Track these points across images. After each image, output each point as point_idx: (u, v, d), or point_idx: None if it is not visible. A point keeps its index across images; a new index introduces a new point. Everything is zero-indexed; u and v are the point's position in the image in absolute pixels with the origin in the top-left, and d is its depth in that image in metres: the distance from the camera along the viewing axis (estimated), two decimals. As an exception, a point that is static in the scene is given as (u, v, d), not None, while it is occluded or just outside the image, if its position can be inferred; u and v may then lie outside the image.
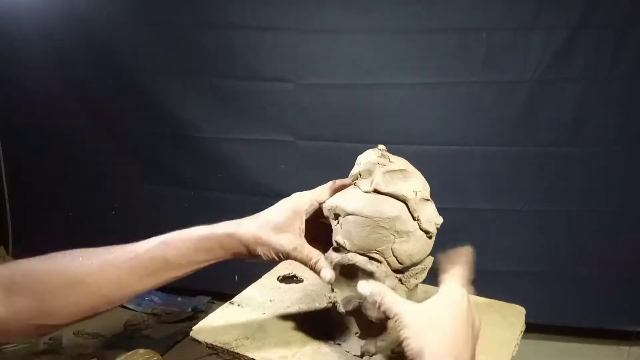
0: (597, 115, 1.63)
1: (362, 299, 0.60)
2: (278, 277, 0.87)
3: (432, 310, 0.53)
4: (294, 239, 0.62)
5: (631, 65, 1.57)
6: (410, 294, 0.63)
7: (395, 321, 0.53)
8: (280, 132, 1.85)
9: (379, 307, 0.55)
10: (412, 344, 0.51)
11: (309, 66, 1.77)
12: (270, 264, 0.64)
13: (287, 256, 0.62)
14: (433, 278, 0.75)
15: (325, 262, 0.63)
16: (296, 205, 0.64)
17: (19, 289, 0.54)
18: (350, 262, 0.61)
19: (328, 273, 0.62)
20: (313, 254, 0.62)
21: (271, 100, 1.82)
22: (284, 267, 0.91)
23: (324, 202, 0.65)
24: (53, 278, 0.55)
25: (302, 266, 0.91)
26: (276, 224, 0.62)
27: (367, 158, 0.64)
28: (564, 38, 1.58)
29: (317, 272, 0.63)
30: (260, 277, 0.88)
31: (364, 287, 0.57)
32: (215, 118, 1.88)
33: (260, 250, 0.61)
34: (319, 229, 0.65)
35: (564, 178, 1.69)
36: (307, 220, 0.64)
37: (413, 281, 0.63)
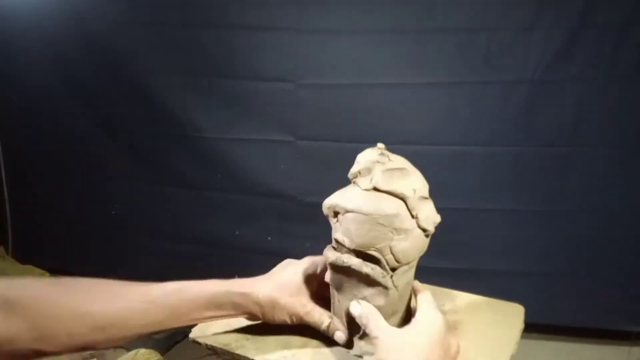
0: (596, 116, 1.63)
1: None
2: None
3: (408, 334, 0.55)
4: (306, 303, 0.63)
5: (631, 66, 1.57)
6: (402, 294, 0.63)
7: (373, 344, 0.56)
8: (281, 132, 1.85)
9: (364, 328, 0.58)
10: None
11: (309, 66, 1.77)
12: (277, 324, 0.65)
13: (299, 320, 0.63)
14: (431, 277, 0.76)
15: (338, 324, 0.64)
16: (310, 269, 0.66)
17: (20, 310, 0.51)
18: (345, 265, 0.61)
19: (342, 336, 0.63)
20: (324, 317, 0.64)
21: (271, 100, 1.82)
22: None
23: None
24: (59, 306, 0.53)
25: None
26: (291, 287, 0.63)
27: (367, 156, 0.64)
28: (564, 38, 1.58)
29: (330, 335, 0.64)
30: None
31: (355, 308, 0.60)
32: (216, 118, 1.88)
33: (274, 314, 0.62)
34: (325, 288, 0.67)
35: (564, 178, 1.69)
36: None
37: (403, 280, 0.63)
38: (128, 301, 0.56)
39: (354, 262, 0.60)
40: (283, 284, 0.63)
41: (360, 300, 0.60)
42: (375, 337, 0.56)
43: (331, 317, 0.64)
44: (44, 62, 1.95)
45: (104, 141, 2.00)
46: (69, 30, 1.89)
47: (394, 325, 0.60)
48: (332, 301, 0.67)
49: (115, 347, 0.55)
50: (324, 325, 0.63)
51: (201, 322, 0.61)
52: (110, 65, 1.90)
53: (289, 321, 0.63)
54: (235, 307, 0.61)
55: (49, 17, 1.90)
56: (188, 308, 0.59)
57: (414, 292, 0.64)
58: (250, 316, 0.63)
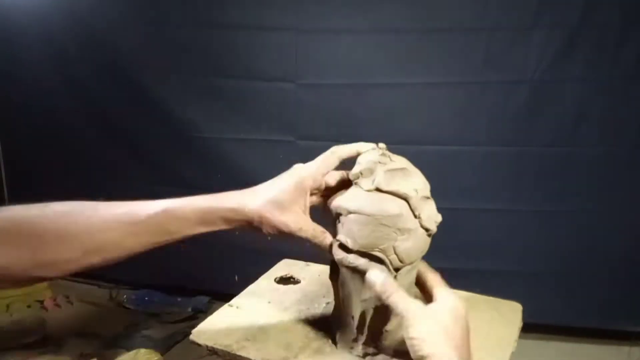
0: (597, 116, 1.63)
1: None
2: (275, 279, 0.87)
3: (437, 314, 0.55)
4: (298, 219, 0.61)
5: (631, 65, 1.57)
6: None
7: (402, 317, 0.54)
8: (281, 132, 1.85)
9: (385, 298, 0.56)
10: (419, 345, 0.52)
11: (309, 66, 1.77)
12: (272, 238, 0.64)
13: (291, 236, 0.61)
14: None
15: (330, 238, 0.63)
16: (301, 182, 0.63)
17: (12, 239, 0.52)
18: (352, 265, 0.61)
19: (337, 253, 0.62)
20: (317, 231, 0.62)
21: (272, 100, 1.82)
22: (282, 269, 0.91)
23: (326, 175, 0.65)
24: (49, 231, 0.54)
25: (300, 267, 0.92)
26: (281, 202, 0.61)
27: (368, 157, 0.64)
28: (564, 38, 1.58)
29: (325, 249, 0.63)
30: (258, 278, 0.88)
31: (376, 276, 0.57)
32: (216, 118, 1.88)
33: (264, 229, 0.61)
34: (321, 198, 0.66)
35: (564, 178, 1.69)
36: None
37: (406, 280, 0.63)
38: (117, 225, 0.57)
39: (361, 262, 0.60)
40: (272, 199, 0.61)
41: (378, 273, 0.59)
42: (403, 311, 0.54)
43: (323, 232, 0.63)
44: (44, 62, 1.95)
45: (103, 141, 2.00)
46: (69, 30, 1.89)
47: None
48: (336, 296, 0.67)
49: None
50: (317, 240, 0.62)
51: (195, 236, 0.61)
52: (110, 64, 1.90)
53: (280, 236, 0.62)
54: (226, 221, 0.61)
55: (49, 16, 1.90)
56: (178, 226, 0.59)
57: (423, 276, 0.63)
58: (241, 229, 0.62)
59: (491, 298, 0.82)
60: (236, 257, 1.96)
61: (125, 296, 2.09)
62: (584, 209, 1.70)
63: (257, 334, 0.70)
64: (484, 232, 1.76)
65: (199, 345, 0.67)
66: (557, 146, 1.68)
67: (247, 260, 1.87)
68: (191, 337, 0.68)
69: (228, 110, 1.86)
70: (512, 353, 0.69)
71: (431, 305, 0.56)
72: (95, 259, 0.56)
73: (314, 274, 0.89)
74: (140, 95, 1.90)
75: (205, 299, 2.04)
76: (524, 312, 0.79)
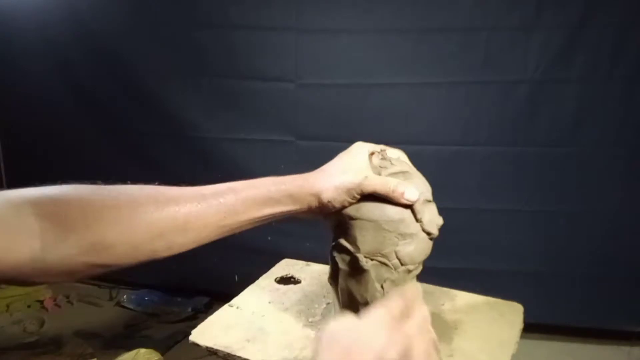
0: (596, 116, 1.63)
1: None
2: (276, 279, 0.87)
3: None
4: (361, 171, 0.60)
5: (631, 66, 1.57)
6: None
7: None
8: (281, 132, 1.84)
9: None
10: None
11: (309, 66, 1.77)
12: (334, 218, 0.61)
13: (360, 190, 0.59)
14: (430, 277, 0.76)
15: (404, 183, 0.60)
16: (357, 148, 0.64)
17: (67, 220, 0.46)
18: (362, 267, 0.61)
19: (414, 191, 0.60)
20: (388, 181, 0.59)
21: (271, 100, 1.82)
22: (282, 269, 0.91)
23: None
24: (109, 212, 0.48)
25: (300, 267, 0.92)
26: (341, 166, 0.61)
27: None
28: (564, 38, 1.58)
29: (398, 197, 0.59)
30: (258, 278, 0.88)
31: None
32: (215, 118, 1.88)
33: (331, 196, 0.59)
34: None
35: (564, 178, 1.69)
36: None
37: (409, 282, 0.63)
38: (182, 204, 0.52)
39: (369, 265, 0.61)
40: (332, 168, 0.61)
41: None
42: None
43: (394, 180, 0.60)
44: (43, 62, 1.95)
45: (103, 141, 2.00)
46: (69, 30, 1.89)
47: None
48: (336, 299, 0.67)
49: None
50: (389, 186, 0.59)
51: (257, 224, 0.59)
52: (109, 65, 1.90)
53: (349, 198, 0.59)
54: (293, 200, 0.59)
55: (48, 17, 1.90)
56: (245, 207, 0.56)
57: None
58: (309, 211, 0.60)
59: (492, 299, 0.82)
60: (236, 257, 1.95)
61: (125, 296, 2.09)
62: (584, 209, 1.70)
63: (257, 334, 0.70)
64: (484, 233, 1.76)
65: (198, 345, 0.67)
66: (557, 146, 1.67)
67: (247, 260, 1.87)
68: (191, 337, 0.68)
69: (227, 110, 1.86)
70: (513, 355, 0.69)
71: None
72: (158, 244, 0.51)
73: (314, 274, 0.89)
74: (139, 95, 1.90)
75: (205, 299, 2.04)
76: (524, 312, 0.79)
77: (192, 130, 1.89)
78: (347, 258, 0.63)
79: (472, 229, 1.74)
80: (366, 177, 0.59)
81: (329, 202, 0.59)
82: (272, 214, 0.59)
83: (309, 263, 0.93)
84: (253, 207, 0.57)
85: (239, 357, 0.65)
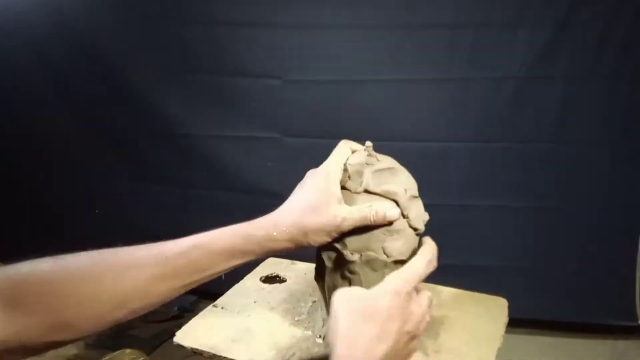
0: (582, 112, 1.64)
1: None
2: (261, 278, 0.86)
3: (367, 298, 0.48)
4: (338, 212, 0.56)
5: (616, 62, 1.58)
6: None
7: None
8: (267, 128, 1.83)
9: None
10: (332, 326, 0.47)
11: (295, 62, 1.76)
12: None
13: (340, 231, 0.57)
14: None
15: (381, 205, 0.58)
16: (326, 176, 0.60)
17: (26, 303, 0.46)
18: (350, 260, 0.60)
19: (394, 211, 0.58)
20: (364, 211, 0.57)
21: (257, 97, 1.81)
22: (267, 268, 0.90)
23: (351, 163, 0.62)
24: (70, 289, 0.47)
25: (285, 266, 0.91)
26: (314, 205, 0.57)
27: (355, 160, 0.64)
28: (549, 35, 1.59)
29: (380, 221, 0.57)
30: (243, 277, 0.87)
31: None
32: (201, 115, 1.86)
33: (309, 239, 0.57)
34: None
35: (550, 174, 1.70)
36: None
37: None
38: (142, 269, 0.50)
39: (356, 262, 0.60)
40: (305, 207, 0.57)
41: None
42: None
43: (369, 206, 0.58)
44: (24, 59, 1.91)
45: (86, 139, 1.97)
46: (51, 26, 1.85)
47: None
48: (322, 297, 0.67)
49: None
50: (369, 216, 0.57)
51: (228, 271, 0.57)
52: (92, 61, 1.87)
53: (328, 239, 0.58)
54: (262, 249, 0.56)
55: (30, 13, 1.86)
56: (209, 261, 0.54)
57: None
58: (282, 251, 0.59)
59: (477, 294, 0.82)
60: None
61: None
62: (569, 205, 1.72)
63: (243, 334, 0.69)
64: (470, 228, 1.77)
65: (183, 347, 0.66)
66: (542, 142, 1.69)
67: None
68: (175, 339, 0.67)
69: (213, 107, 1.84)
70: (499, 348, 0.69)
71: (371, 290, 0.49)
72: (120, 313, 0.50)
73: (299, 273, 0.89)
74: (123, 92, 1.87)
75: (192, 297, 2.02)
76: (509, 307, 0.79)
77: (177, 128, 1.87)
78: (334, 255, 0.63)
79: (457, 224, 1.74)
80: (344, 218, 0.56)
81: (306, 243, 0.58)
82: (241, 262, 0.57)
83: (294, 261, 0.93)
84: (220, 261, 0.55)
85: (225, 357, 0.64)
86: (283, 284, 0.85)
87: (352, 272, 0.61)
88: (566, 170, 1.69)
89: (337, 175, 0.60)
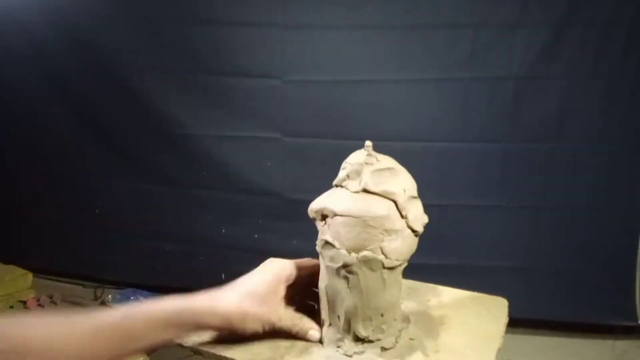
0: (581, 112, 1.65)
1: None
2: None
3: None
4: (278, 309, 0.60)
5: (615, 62, 1.58)
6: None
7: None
8: (267, 128, 1.84)
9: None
10: None
11: (295, 62, 1.76)
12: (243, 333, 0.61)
13: (272, 327, 0.60)
14: (417, 273, 0.75)
15: (309, 322, 0.63)
16: (277, 272, 0.63)
17: None
18: (346, 263, 0.60)
19: (316, 334, 0.62)
20: (296, 319, 0.62)
21: (257, 97, 1.81)
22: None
23: (302, 273, 0.65)
24: (2, 354, 0.48)
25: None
26: (260, 295, 0.59)
27: (355, 159, 0.64)
28: (549, 35, 1.60)
29: (303, 336, 0.62)
30: (244, 276, 0.87)
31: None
32: (201, 115, 1.86)
33: (245, 325, 0.58)
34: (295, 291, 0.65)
35: (549, 174, 1.71)
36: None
37: (396, 283, 0.63)
38: (72, 330, 0.51)
39: (355, 261, 0.60)
40: (251, 293, 0.59)
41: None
42: None
43: (301, 319, 0.62)
44: (25, 58, 1.91)
45: (87, 139, 1.97)
46: (51, 26, 1.86)
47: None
48: (321, 297, 0.66)
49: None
50: (296, 328, 0.62)
51: (161, 345, 0.56)
52: (93, 61, 1.87)
53: (260, 330, 0.60)
54: (199, 324, 0.57)
55: (30, 12, 1.86)
56: (142, 331, 0.54)
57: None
58: (217, 331, 0.60)
59: (477, 294, 0.82)
60: (223, 255, 1.94)
61: (110, 296, 2.07)
62: (568, 205, 1.72)
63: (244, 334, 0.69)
64: (470, 229, 1.77)
65: (182, 346, 0.66)
66: (543, 142, 1.69)
67: (233, 259, 1.87)
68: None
69: (213, 107, 1.85)
70: (499, 348, 0.69)
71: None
72: None
73: (300, 272, 0.88)
74: (124, 92, 1.88)
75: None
76: (510, 307, 0.79)
77: (178, 128, 1.88)
78: (332, 254, 0.62)
79: (458, 225, 1.75)
80: (280, 318, 0.60)
81: (240, 328, 0.58)
82: (177, 337, 0.57)
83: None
84: (151, 331, 0.54)
85: (225, 357, 0.64)
86: (283, 284, 0.85)
87: (350, 273, 0.61)
88: (565, 170, 1.69)
89: (287, 275, 0.63)
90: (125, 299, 2.05)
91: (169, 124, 1.88)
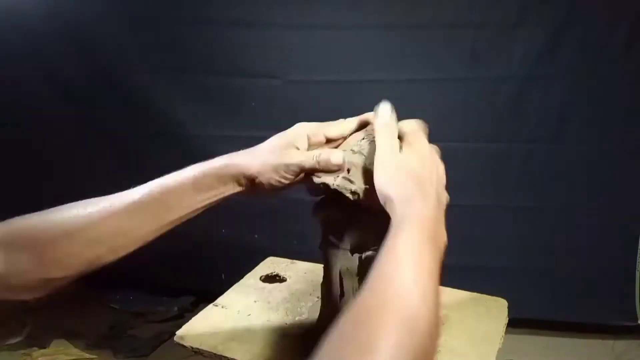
0: (581, 112, 1.64)
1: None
2: (261, 277, 0.87)
3: (402, 160, 0.56)
4: (297, 155, 0.59)
5: (615, 62, 1.58)
6: None
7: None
8: (267, 128, 1.81)
9: (375, 133, 0.59)
10: (383, 187, 0.53)
11: (296, 62, 1.76)
12: (270, 195, 0.62)
13: (286, 167, 0.59)
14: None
15: (326, 150, 0.61)
16: (297, 129, 0.64)
17: (18, 244, 0.53)
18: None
19: (338, 155, 0.60)
20: (317, 154, 0.59)
21: (258, 97, 1.81)
22: (267, 267, 0.90)
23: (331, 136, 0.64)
24: (52, 230, 0.54)
25: (285, 265, 0.91)
26: (276, 147, 0.61)
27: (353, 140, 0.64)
28: (549, 35, 1.59)
29: (327, 165, 0.59)
30: (243, 277, 0.87)
31: (386, 111, 0.64)
32: (201, 115, 1.86)
33: (258, 174, 0.58)
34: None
35: (549, 174, 1.70)
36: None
37: None
38: (114, 209, 0.56)
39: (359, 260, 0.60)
40: (269, 147, 0.61)
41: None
42: (378, 152, 0.56)
43: (320, 149, 0.61)
44: (23, 58, 1.90)
45: (85, 139, 1.97)
46: (49, 25, 1.85)
47: None
48: (323, 298, 0.66)
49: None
50: (317, 159, 0.59)
51: (196, 212, 0.60)
52: (91, 61, 1.86)
53: (278, 177, 0.59)
54: (223, 180, 0.59)
55: (28, 11, 1.86)
56: (176, 198, 0.58)
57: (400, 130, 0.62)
58: (242, 190, 0.60)
59: (477, 294, 0.82)
60: (222, 255, 1.94)
61: (109, 295, 2.07)
62: (568, 206, 1.72)
63: (244, 334, 0.69)
64: (469, 229, 1.77)
65: (183, 346, 0.66)
66: (542, 142, 1.69)
67: (233, 258, 1.86)
68: (175, 338, 0.67)
69: (213, 107, 1.84)
70: (499, 348, 0.69)
71: (400, 152, 0.56)
72: (100, 250, 0.55)
73: (299, 272, 0.89)
74: (123, 91, 1.87)
75: (191, 298, 2.02)
76: (509, 307, 0.79)
77: (177, 128, 1.87)
78: (337, 253, 0.62)
79: (457, 225, 1.72)
80: (291, 157, 0.59)
81: (257, 180, 0.59)
82: (207, 199, 0.59)
83: (294, 261, 0.93)
84: (184, 197, 0.58)
85: (225, 357, 0.64)
86: (283, 284, 0.85)
87: (353, 273, 0.61)
88: (565, 171, 1.69)
89: (308, 131, 0.63)
90: (124, 298, 2.05)
91: (168, 124, 1.88)
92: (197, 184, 0.58)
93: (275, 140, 0.62)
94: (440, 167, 0.60)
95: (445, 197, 0.59)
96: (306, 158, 0.59)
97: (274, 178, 0.59)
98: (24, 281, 0.53)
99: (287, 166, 0.59)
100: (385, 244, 0.46)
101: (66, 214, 0.56)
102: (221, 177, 0.59)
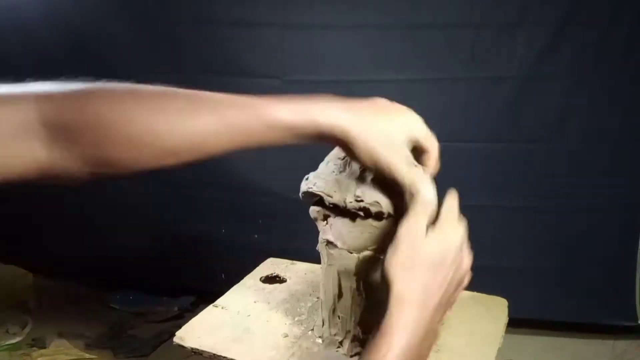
0: (581, 112, 1.64)
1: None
2: (261, 278, 0.87)
3: (426, 249, 0.51)
4: (402, 159, 0.55)
5: (616, 62, 1.58)
6: None
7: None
8: (267, 128, 1.83)
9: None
10: (388, 267, 0.49)
11: (295, 62, 1.76)
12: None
13: (373, 166, 0.53)
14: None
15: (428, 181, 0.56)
16: (423, 128, 0.60)
17: (74, 134, 0.45)
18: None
19: (432, 193, 0.57)
20: (415, 175, 0.55)
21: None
22: (267, 268, 0.90)
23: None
24: (117, 128, 0.47)
25: (285, 266, 0.91)
26: (396, 132, 0.56)
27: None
28: (549, 35, 1.59)
29: (408, 197, 0.54)
30: (243, 277, 0.87)
31: (429, 193, 0.57)
32: (200, 115, 1.86)
33: (351, 136, 0.53)
34: None
35: (549, 174, 1.70)
36: None
37: None
38: (200, 121, 0.48)
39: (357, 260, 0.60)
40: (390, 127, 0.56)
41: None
42: (403, 229, 0.51)
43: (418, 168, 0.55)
44: (21, 57, 1.91)
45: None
46: (48, 24, 1.85)
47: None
48: (323, 297, 0.66)
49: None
50: (409, 187, 0.54)
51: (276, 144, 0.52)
52: (92, 61, 1.86)
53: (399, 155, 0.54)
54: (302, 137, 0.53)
55: (28, 11, 1.86)
56: (261, 131, 0.50)
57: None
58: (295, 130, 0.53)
59: (477, 294, 0.82)
60: (222, 255, 1.94)
61: (110, 295, 2.07)
62: (568, 205, 1.72)
63: (243, 334, 0.69)
64: (469, 229, 1.77)
65: (182, 347, 0.66)
66: (543, 142, 1.69)
67: (233, 259, 1.86)
68: (175, 339, 0.68)
69: (213, 107, 1.84)
70: (499, 348, 0.69)
71: (429, 233, 0.52)
72: (170, 161, 0.49)
73: (299, 273, 0.89)
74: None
75: (191, 298, 2.02)
76: (509, 307, 0.79)
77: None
78: (335, 254, 0.62)
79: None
80: (400, 156, 0.54)
81: (351, 152, 0.53)
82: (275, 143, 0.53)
83: (294, 262, 0.93)
84: (263, 131, 0.51)
85: (225, 357, 0.64)
86: (283, 284, 0.85)
87: (351, 273, 0.61)
88: (566, 171, 1.69)
89: (425, 132, 0.60)
90: (124, 298, 2.05)
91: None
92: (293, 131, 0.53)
93: (400, 124, 0.56)
94: (465, 261, 0.55)
95: (455, 296, 0.55)
96: (408, 175, 0.54)
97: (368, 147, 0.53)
98: (71, 174, 0.46)
99: (388, 165, 0.53)
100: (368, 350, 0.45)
101: (144, 113, 0.48)
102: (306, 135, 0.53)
